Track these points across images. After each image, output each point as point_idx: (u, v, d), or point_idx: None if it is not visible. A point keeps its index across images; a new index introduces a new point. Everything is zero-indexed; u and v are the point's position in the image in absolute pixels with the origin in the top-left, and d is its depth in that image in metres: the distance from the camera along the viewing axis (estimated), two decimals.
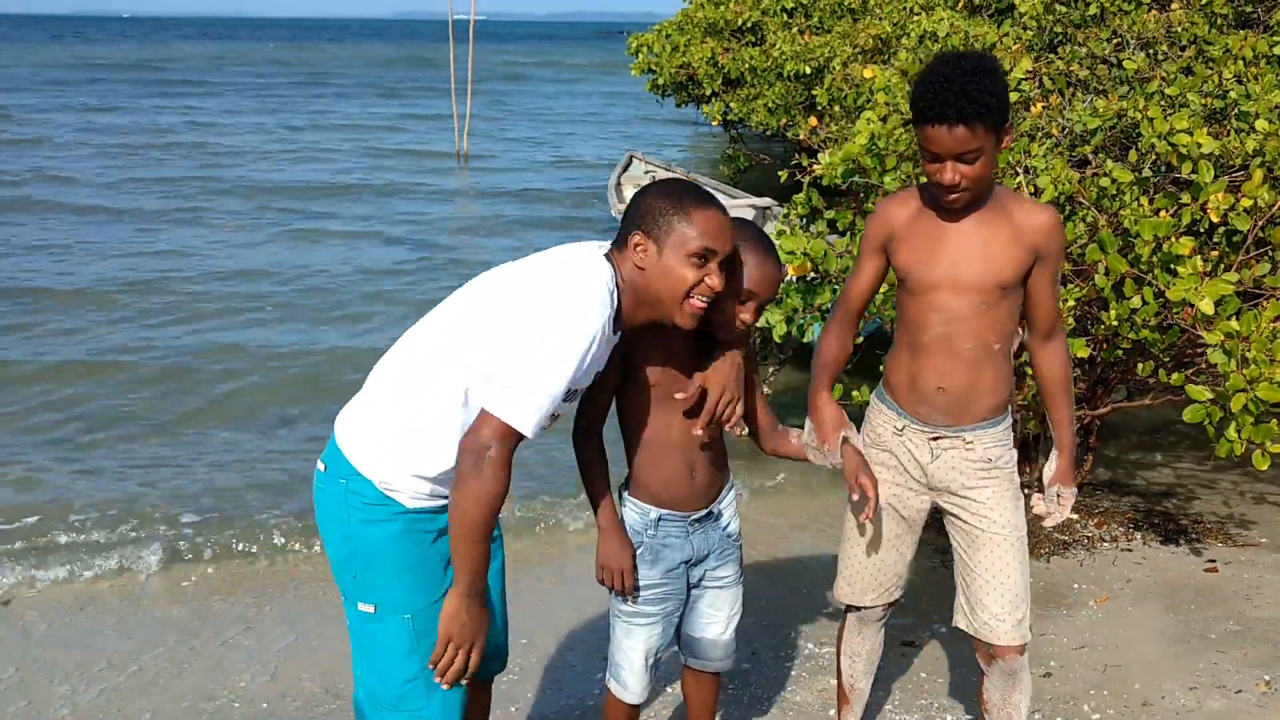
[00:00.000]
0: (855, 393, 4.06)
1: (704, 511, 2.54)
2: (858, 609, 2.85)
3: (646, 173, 12.25)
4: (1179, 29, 5.63)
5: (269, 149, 19.43)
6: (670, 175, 12.14)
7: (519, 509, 5.01)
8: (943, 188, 2.41)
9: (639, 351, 2.39)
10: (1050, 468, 2.70)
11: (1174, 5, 6.17)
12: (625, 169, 12.34)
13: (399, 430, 2.17)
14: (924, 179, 2.53)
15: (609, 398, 2.47)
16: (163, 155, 18.06)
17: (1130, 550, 4.47)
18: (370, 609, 2.23)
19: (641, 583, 2.52)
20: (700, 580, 2.61)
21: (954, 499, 2.65)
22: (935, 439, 2.62)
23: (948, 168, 2.37)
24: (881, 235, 2.60)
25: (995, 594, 2.62)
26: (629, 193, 11.79)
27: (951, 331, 2.52)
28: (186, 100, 28.59)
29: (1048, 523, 2.70)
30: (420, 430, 2.16)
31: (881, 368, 2.75)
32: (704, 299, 2.20)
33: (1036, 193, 4.03)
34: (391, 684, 2.24)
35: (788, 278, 4.55)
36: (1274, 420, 3.71)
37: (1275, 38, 5.06)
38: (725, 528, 2.61)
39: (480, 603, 2.15)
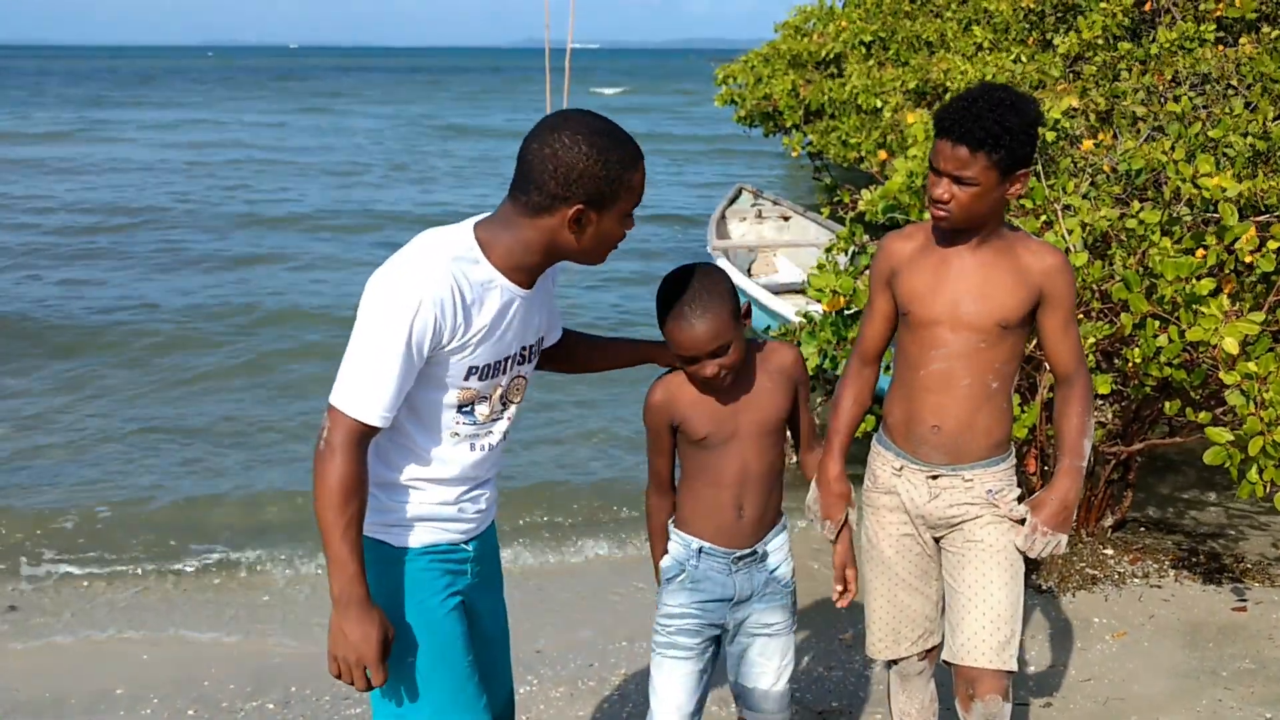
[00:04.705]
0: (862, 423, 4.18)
1: (748, 550, 2.49)
2: (895, 663, 2.75)
3: (753, 205, 11.59)
4: (1231, 66, 5.61)
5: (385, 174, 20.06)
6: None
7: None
8: (932, 201, 2.40)
9: (686, 412, 2.42)
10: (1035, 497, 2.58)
11: (1243, 41, 6.14)
12: (732, 201, 11.64)
13: None
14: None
15: (668, 460, 2.51)
16: None
17: (1160, 587, 4.48)
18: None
19: (676, 609, 2.49)
20: (745, 624, 2.54)
21: (950, 530, 2.60)
22: (934, 478, 2.57)
23: (943, 183, 2.37)
24: (886, 270, 2.57)
25: (977, 611, 2.51)
26: (733, 226, 11.21)
27: (949, 369, 2.48)
28: None
29: (1021, 544, 2.56)
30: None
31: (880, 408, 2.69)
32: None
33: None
34: None
35: (820, 313, 4.70)
36: None
37: None
38: (773, 570, 2.53)
39: (359, 613, 1.97)
